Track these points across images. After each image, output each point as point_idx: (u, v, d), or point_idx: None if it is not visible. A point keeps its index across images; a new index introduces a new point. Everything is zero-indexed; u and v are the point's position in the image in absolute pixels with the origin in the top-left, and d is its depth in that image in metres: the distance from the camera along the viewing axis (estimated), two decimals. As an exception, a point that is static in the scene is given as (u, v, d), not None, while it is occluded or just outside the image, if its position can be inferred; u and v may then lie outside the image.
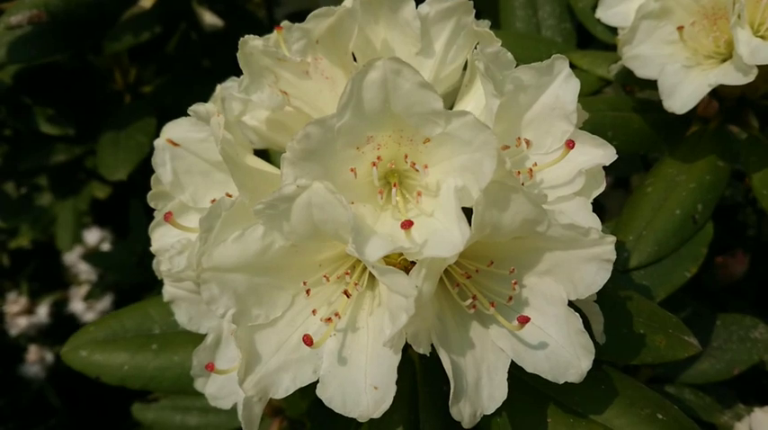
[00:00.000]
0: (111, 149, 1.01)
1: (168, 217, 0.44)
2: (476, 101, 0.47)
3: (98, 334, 0.61)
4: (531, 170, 0.44)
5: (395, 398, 0.53)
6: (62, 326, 2.67)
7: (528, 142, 0.45)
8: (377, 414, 0.39)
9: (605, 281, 0.42)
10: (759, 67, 0.69)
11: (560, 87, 0.45)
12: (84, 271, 2.34)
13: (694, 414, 0.87)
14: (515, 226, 0.40)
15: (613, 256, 0.41)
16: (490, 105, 0.40)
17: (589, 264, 0.41)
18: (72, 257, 2.41)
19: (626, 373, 0.57)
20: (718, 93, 0.81)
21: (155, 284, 1.92)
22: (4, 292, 2.43)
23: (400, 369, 0.55)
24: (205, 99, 1.06)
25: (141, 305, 0.64)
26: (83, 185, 1.68)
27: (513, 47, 0.92)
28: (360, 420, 0.39)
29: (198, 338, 0.57)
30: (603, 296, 0.58)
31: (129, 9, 0.95)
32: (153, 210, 1.12)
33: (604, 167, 1.00)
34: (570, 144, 0.43)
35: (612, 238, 0.40)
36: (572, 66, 0.86)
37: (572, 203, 0.44)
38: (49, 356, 2.66)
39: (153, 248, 0.50)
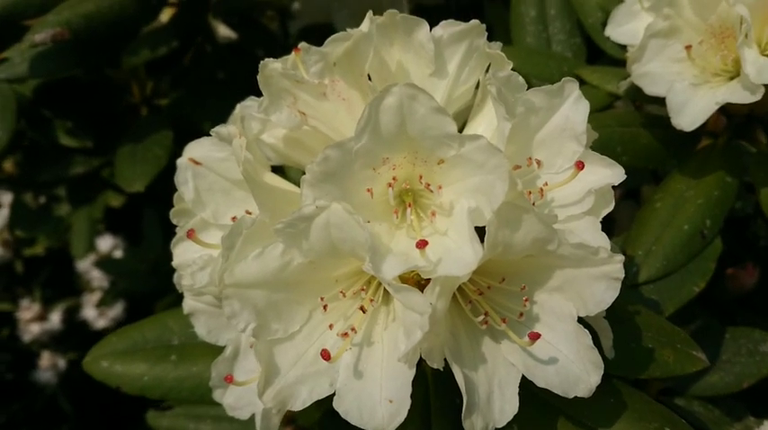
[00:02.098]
0: (128, 162, 1.03)
1: (191, 234, 0.46)
2: (488, 121, 0.49)
3: (119, 345, 0.63)
4: (541, 189, 0.46)
5: (408, 410, 0.55)
6: (74, 333, 2.70)
7: (539, 162, 0.47)
8: (392, 427, 0.40)
9: (614, 298, 0.43)
10: (766, 85, 0.70)
11: (570, 109, 0.47)
12: (97, 278, 2.37)
13: (704, 426, 0.87)
14: (526, 245, 0.41)
15: (621, 275, 0.42)
16: (502, 128, 0.41)
17: (598, 282, 0.42)
18: (85, 264, 2.40)
19: (635, 386, 0.59)
20: (727, 109, 0.83)
21: (167, 292, 1.94)
22: (17, 299, 2.46)
23: (414, 382, 0.57)
24: (220, 111, 1.08)
25: (161, 317, 0.65)
26: (97, 194, 1.71)
27: (524, 62, 0.95)
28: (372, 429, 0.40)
29: (216, 350, 0.59)
30: (612, 311, 0.59)
31: (147, 25, 0.97)
32: (167, 217, 1.15)
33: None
34: (580, 165, 0.44)
35: (621, 257, 0.42)
36: (581, 81, 0.88)
37: (582, 222, 0.45)
38: (62, 362, 2.68)
39: (174, 263, 0.51)
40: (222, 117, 0.76)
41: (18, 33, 1.10)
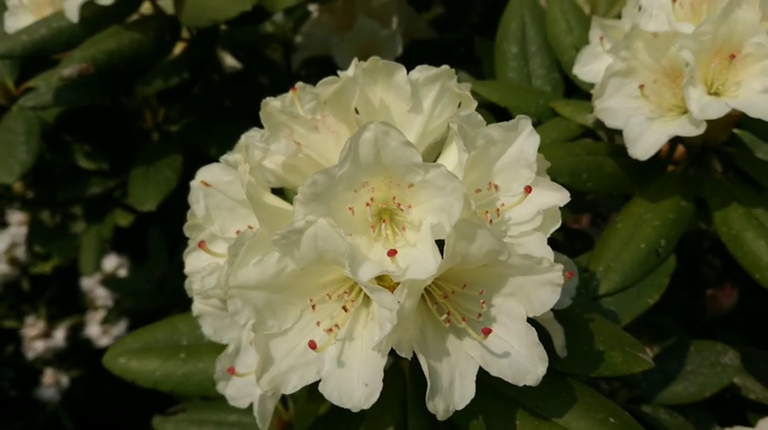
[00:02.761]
0: (141, 183, 1.12)
1: (202, 244, 0.54)
2: (456, 152, 0.57)
3: (134, 344, 0.71)
4: (498, 210, 0.54)
5: (388, 402, 0.63)
6: (78, 351, 2.72)
7: (497, 187, 0.55)
8: (367, 405, 0.48)
9: (556, 301, 0.51)
10: (715, 119, 0.79)
11: (524, 142, 0.55)
12: (101, 296, 2.44)
13: (667, 431, 0.95)
14: (481, 255, 0.49)
15: (561, 281, 0.50)
16: (461, 158, 0.50)
17: (543, 288, 0.50)
18: (90, 283, 2.42)
19: (610, 397, 0.66)
20: (685, 140, 0.91)
21: (170, 310, 2.01)
22: (23, 316, 2.53)
23: (393, 378, 0.65)
24: (226, 136, 1.17)
25: (171, 320, 0.73)
26: (107, 213, 1.79)
27: (505, 95, 1.04)
28: (353, 410, 0.48)
29: (220, 349, 0.66)
30: (569, 318, 0.67)
31: (162, 59, 1.06)
32: (171, 237, 1.20)
33: (593, 205, 1.10)
34: (528, 189, 0.52)
35: (560, 266, 0.50)
36: (555, 113, 0.97)
37: (532, 238, 0.53)
38: (65, 380, 2.69)
39: (186, 271, 0.60)
40: (228, 141, 0.84)
41: (43, 64, 1.21)
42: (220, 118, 1.31)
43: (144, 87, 1.18)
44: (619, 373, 0.63)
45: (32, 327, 2.49)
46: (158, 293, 2.23)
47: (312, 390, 0.57)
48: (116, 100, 1.28)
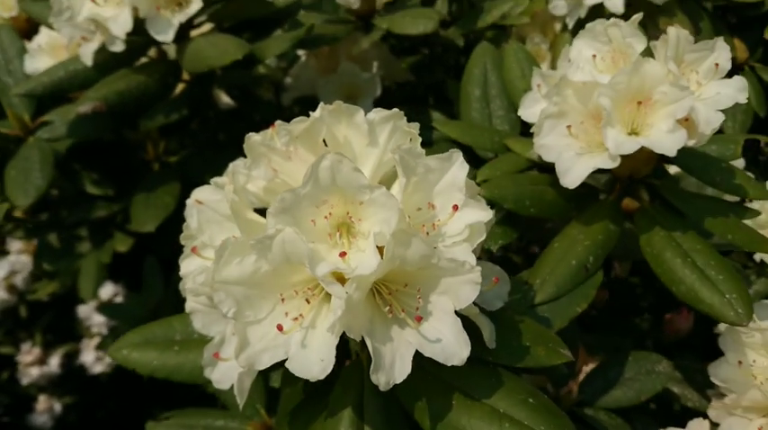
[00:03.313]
0: (142, 207, 1.25)
1: (194, 250, 0.67)
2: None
3: (135, 339, 0.83)
4: (434, 224, 0.67)
5: (348, 389, 0.74)
6: (71, 378, 2.74)
7: (434, 206, 0.68)
8: (322, 376, 0.60)
9: (475, 296, 0.63)
10: (636, 155, 0.92)
11: (456, 170, 0.68)
12: (97, 324, 2.41)
13: (606, 430, 1.06)
14: (416, 259, 0.62)
15: (479, 280, 0.63)
16: (401, 183, 0.63)
17: (466, 285, 0.63)
18: (86, 311, 2.40)
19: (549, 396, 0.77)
20: (614, 172, 1.05)
21: None
22: (18, 342, 2.54)
23: (353, 370, 0.76)
24: (221, 167, 1.31)
25: (167, 319, 0.86)
26: (108, 238, 1.90)
27: (466, 134, 1.19)
28: (311, 380, 0.60)
29: (207, 343, 0.78)
30: (503, 319, 0.80)
31: (165, 98, 1.20)
32: (166, 266, 1.33)
33: (553, 233, 1.22)
34: (455, 208, 0.65)
35: (479, 269, 0.62)
36: (507, 149, 1.11)
37: (460, 247, 0.66)
38: (58, 406, 2.73)
39: (181, 273, 0.72)
40: (222, 171, 0.97)
41: (56, 101, 1.34)
42: (215, 150, 1.45)
43: (147, 122, 1.32)
44: (541, 365, 0.76)
45: (28, 354, 2.49)
46: (153, 320, 2.35)
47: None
48: (120, 133, 1.42)
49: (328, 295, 0.64)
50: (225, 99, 1.69)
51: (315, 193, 0.61)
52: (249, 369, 0.63)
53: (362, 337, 0.62)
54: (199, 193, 0.71)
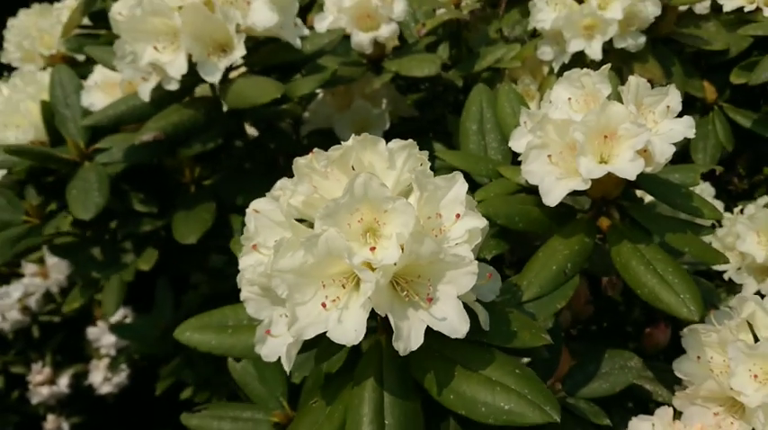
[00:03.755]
0: (183, 222, 1.43)
1: (254, 247, 0.85)
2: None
3: (195, 324, 1.01)
4: (441, 229, 0.86)
5: (370, 364, 0.92)
6: (79, 398, 2.89)
7: (441, 215, 0.87)
8: (356, 342, 0.78)
9: (473, 284, 0.81)
10: (605, 179, 1.11)
11: (458, 188, 0.87)
12: (106, 346, 2.65)
13: (585, 417, 1.23)
14: (428, 254, 0.80)
15: (476, 271, 0.81)
16: (416, 196, 0.82)
17: (465, 276, 0.81)
18: (95, 332, 2.64)
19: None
20: (589, 195, 1.24)
21: (174, 357, 2.25)
22: (30, 362, 2.72)
23: (374, 350, 0.94)
24: (248, 189, 1.50)
25: (220, 310, 1.03)
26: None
27: (464, 162, 1.38)
28: (348, 344, 0.78)
29: (254, 328, 0.96)
30: (496, 310, 0.97)
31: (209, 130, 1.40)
32: (176, 289, 1.52)
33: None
34: (458, 216, 0.84)
35: (475, 262, 0.81)
36: (500, 175, 1.30)
37: (462, 247, 0.85)
38: (66, 426, 2.87)
39: (240, 267, 0.90)
40: (249, 192, 1.16)
41: (105, 131, 1.54)
42: (243, 175, 1.64)
43: (186, 150, 1.51)
44: (527, 346, 0.93)
45: (39, 374, 2.67)
46: (163, 340, 2.40)
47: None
48: (161, 159, 1.61)
49: (358, 284, 0.83)
50: (250, 131, 1.89)
51: (350, 203, 0.80)
52: (297, 340, 0.81)
53: (386, 315, 0.81)
54: (256, 204, 0.89)
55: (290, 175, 0.91)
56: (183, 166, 1.59)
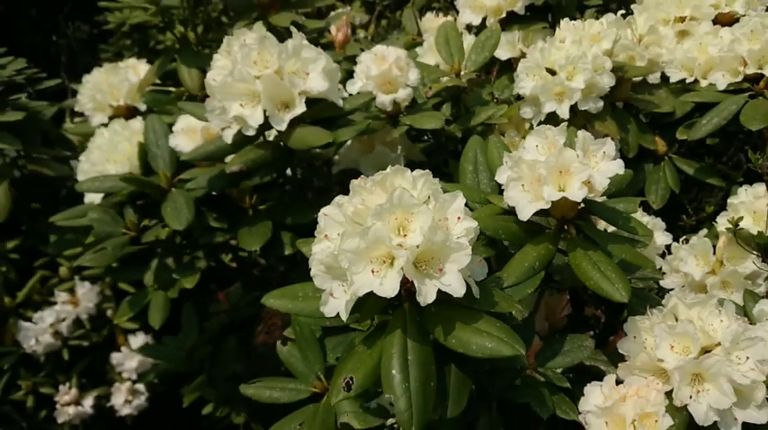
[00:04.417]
0: (247, 235, 1.86)
1: (326, 236, 1.29)
2: (431, 204, 1.34)
3: (276, 294, 1.41)
4: (447, 227, 1.30)
5: (398, 320, 1.34)
6: (102, 419, 3.02)
7: (447, 218, 1.32)
8: (393, 294, 1.21)
9: (468, 261, 1.25)
10: (563, 203, 1.56)
11: (460, 201, 1.31)
12: (127, 370, 2.88)
13: (551, 381, 1.64)
14: (439, 241, 1.24)
15: (470, 254, 1.25)
16: (432, 205, 1.27)
17: (464, 256, 1.25)
18: (118, 358, 2.88)
19: None
20: (553, 215, 1.68)
21: (198, 374, 2.67)
22: (57, 384, 2.91)
23: (400, 314, 1.37)
24: (294, 214, 1.98)
25: (293, 286, 1.46)
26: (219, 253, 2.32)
27: (465, 192, 1.83)
28: (387, 297, 1.21)
29: (318, 297, 1.39)
30: (483, 288, 1.40)
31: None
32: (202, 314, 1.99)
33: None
34: (459, 219, 1.29)
35: (470, 247, 1.25)
36: (489, 202, 1.76)
37: (461, 239, 1.29)
38: None
39: (313, 251, 1.33)
40: (294, 215, 1.61)
41: (188, 165, 1.99)
42: (290, 202, 2.09)
43: (247, 182, 1.96)
44: (504, 311, 1.35)
45: (66, 394, 2.85)
46: (188, 359, 2.73)
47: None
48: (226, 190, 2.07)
49: (392, 263, 1.26)
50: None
51: (390, 207, 1.25)
52: (352, 298, 1.25)
53: (411, 283, 1.24)
54: (325, 210, 1.33)
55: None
56: (243, 195, 2.04)
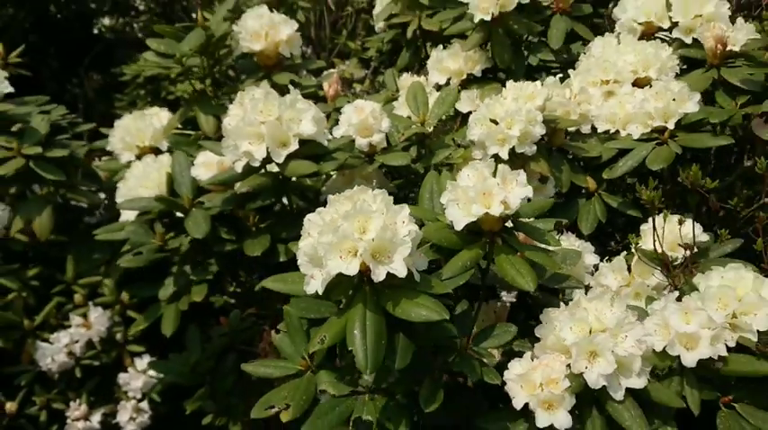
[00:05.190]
0: (251, 245, 2.34)
1: (309, 235, 1.81)
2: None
3: (273, 279, 1.89)
4: (396, 229, 1.82)
5: (359, 298, 1.85)
6: None
7: (396, 223, 1.84)
8: (354, 273, 1.72)
9: (410, 252, 1.77)
10: (488, 218, 2.08)
11: (405, 210, 1.84)
12: (133, 389, 3.14)
13: (482, 357, 2.12)
14: (389, 238, 1.76)
15: (411, 246, 1.76)
16: (384, 212, 1.80)
17: (406, 248, 1.77)
18: (125, 378, 3.14)
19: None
20: (482, 227, 2.19)
21: (201, 386, 3.17)
22: (68, 400, 3.16)
23: (360, 295, 1.87)
24: (288, 230, 2.54)
25: (285, 274, 1.97)
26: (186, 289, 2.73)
27: (422, 213, 2.36)
28: (351, 275, 1.72)
29: (302, 281, 1.90)
30: (423, 277, 1.91)
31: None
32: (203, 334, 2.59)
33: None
34: (404, 223, 1.81)
35: (410, 242, 1.76)
36: (438, 219, 2.29)
37: (405, 236, 1.81)
38: None
39: (300, 245, 1.85)
40: (289, 231, 2.14)
41: (203, 191, 2.53)
42: (284, 221, 2.61)
43: (251, 204, 2.48)
44: (438, 292, 1.86)
45: (76, 410, 3.09)
46: (192, 373, 3.02)
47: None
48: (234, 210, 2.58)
49: (356, 254, 1.77)
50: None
51: (354, 213, 1.76)
52: (327, 277, 1.75)
53: (368, 268, 1.75)
54: (309, 215, 1.85)
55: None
56: (248, 215, 2.55)
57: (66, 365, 3.10)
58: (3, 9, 5.17)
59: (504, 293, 2.29)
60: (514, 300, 2.33)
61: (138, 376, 3.14)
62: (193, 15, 6.39)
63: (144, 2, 6.55)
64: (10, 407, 2.97)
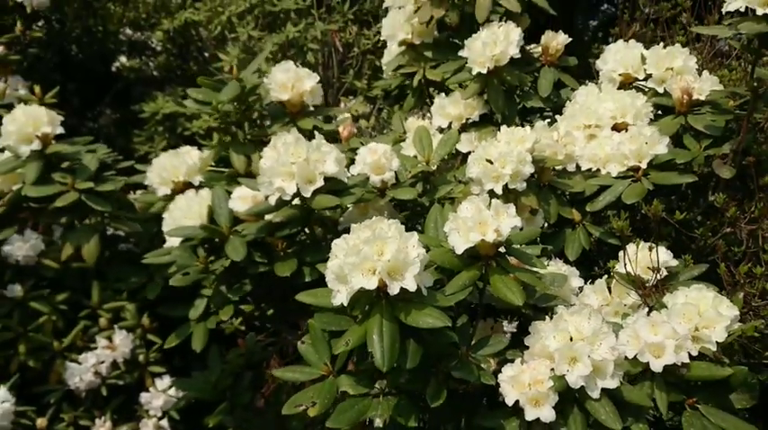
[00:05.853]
0: (281, 267, 2.70)
1: (336, 256, 2.20)
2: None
3: (305, 294, 2.31)
4: (408, 252, 2.22)
5: (376, 309, 2.24)
6: None
7: (407, 247, 2.23)
8: (373, 287, 2.11)
9: (418, 270, 2.15)
10: (484, 244, 2.46)
11: (414, 238, 2.23)
12: (154, 408, 3.32)
13: (479, 363, 2.50)
14: (401, 259, 2.15)
15: (420, 266, 2.15)
16: (397, 238, 2.19)
17: (416, 268, 2.16)
18: (146, 397, 3.33)
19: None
20: (479, 251, 2.58)
21: (222, 401, 3.51)
22: (94, 418, 3.32)
23: (377, 307, 2.26)
24: (312, 255, 2.98)
25: (315, 290, 2.36)
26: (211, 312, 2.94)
27: (428, 241, 2.76)
28: (370, 289, 2.11)
29: (331, 294, 2.28)
30: (430, 292, 2.30)
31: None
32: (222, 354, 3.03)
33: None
34: (413, 247, 2.21)
35: (420, 262, 2.15)
36: (442, 245, 2.69)
37: (416, 259, 2.21)
38: None
39: (328, 265, 2.24)
40: (313, 256, 2.55)
41: (239, 220, 2.93)
42: (309, 247, 2.98)
43: (280, 232, 2.87)
44: (443, 305, 2.24)
45: (101, 427, 3.26)
46: (213, 390, 3.17)
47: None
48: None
49: (375, 272, 2.15)
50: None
51: (373, 239, 2.13)
52: (350, 292, 2.14)
53: (385, 284, 2.14)
54: (336, 240, 2.24)
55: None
56: (277, 241, 2.93)
57: (92, 384, 3.28)
58: (30, 50, 5.65)
59: (505, 323, 2.66)
60: (515, 330, 2.54)
61: (158, 395, 3.32)
62: (206, 54, 6.87)
63: (161, 42, 7.02)
64: (40, 423, 3.13)
